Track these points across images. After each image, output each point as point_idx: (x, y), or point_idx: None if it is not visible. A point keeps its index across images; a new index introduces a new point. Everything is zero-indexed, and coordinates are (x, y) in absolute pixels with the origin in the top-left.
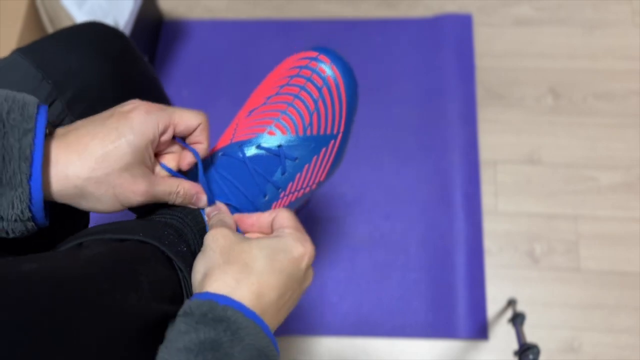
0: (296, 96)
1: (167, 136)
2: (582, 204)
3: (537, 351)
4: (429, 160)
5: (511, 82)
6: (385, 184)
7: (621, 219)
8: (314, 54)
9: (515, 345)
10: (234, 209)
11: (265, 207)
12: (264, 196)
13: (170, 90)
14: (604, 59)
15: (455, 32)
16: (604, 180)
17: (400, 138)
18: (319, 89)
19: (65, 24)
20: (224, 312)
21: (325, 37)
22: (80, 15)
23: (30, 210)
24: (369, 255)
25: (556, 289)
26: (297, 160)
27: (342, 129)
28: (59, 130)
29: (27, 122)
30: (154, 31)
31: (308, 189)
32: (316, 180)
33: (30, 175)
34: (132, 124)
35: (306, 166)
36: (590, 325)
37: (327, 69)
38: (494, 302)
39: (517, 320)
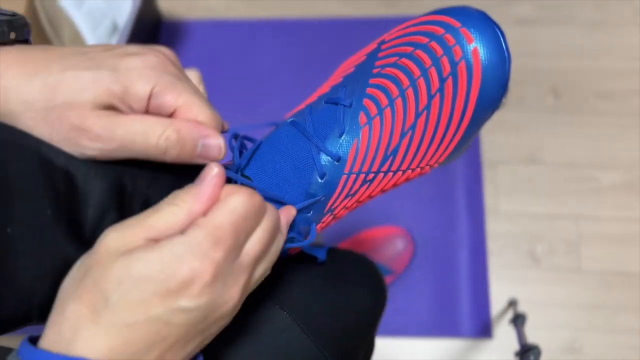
0: (412, 81)
1: (162, 108)
2: (583, 204)
3: (538, 352)
4: None
5: (512, 82)
6: None
7: (622, 219)
8: (456, 23)
9: (516, 346)
10: (278, 203)
11: (322, 192)
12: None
13: None
14: (606, 59)
15: None
16: (605, 180)
17: None
18: (442, 79)
19: (64, 24)
20: None
21: (325, 36)
22: (78, 16)
23: None
24: None
25: (557, 290)
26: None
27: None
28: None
29: None
30: (153, 31)
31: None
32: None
33: None
34: (117, 66)
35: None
36: (591, 326)
37: (466, 51)
38: (495, 303)
39: (518, 321)
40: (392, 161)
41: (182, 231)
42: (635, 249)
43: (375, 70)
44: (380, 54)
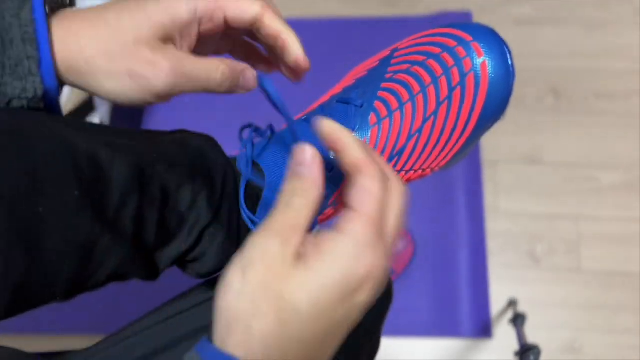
0: (423, 87)
1: (212, 25)
2: (583, 204)
3: (538, 352)
4: None
5: None
6: None
7: (622, 219)
8: (467, 37)
9: (516, 346)
10: None
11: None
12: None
13: None
14: (605, 59)
15: None
16: (605, 180)
17: None
18: (451, 88)
19: None
20: None
21: (325, 36)
22: None
23: (43, 99)
24: None
25: (557, 290)
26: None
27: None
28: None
29: None
30: None
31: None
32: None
33: (40, 61)
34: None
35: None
36: (591, 326)
37: (476, 64)
38: (494, 303)
39: (518, 321)
40: (397, 161)
41: (339, 230)
42: (635, 249)
43: (387, 75)
44: (393, 61)
